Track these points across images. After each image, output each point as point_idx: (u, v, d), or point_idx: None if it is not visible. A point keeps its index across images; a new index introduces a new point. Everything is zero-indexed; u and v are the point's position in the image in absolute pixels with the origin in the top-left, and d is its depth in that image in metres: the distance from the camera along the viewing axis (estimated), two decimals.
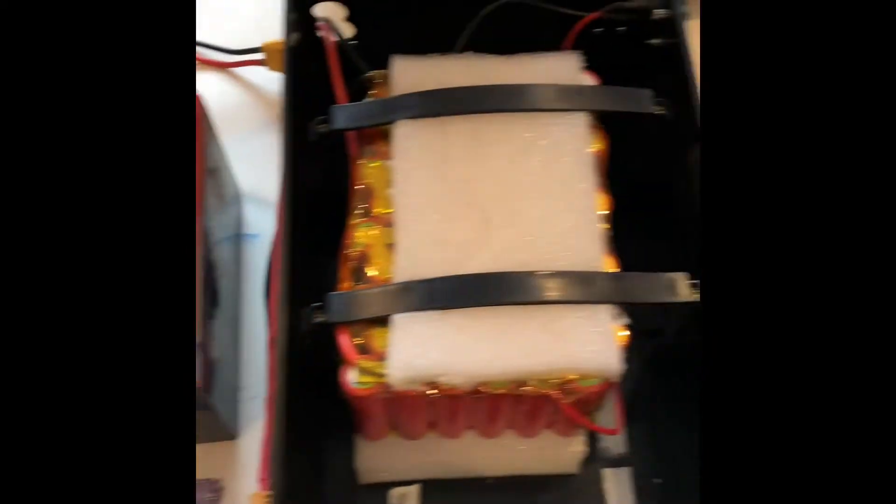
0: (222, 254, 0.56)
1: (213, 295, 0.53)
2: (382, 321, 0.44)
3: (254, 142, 0.65)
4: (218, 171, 0.57)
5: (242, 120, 0.67)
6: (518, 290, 0.43)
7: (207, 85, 0.68)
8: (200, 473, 0.53)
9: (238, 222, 0.62)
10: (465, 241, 0.45)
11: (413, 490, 0.52)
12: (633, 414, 0.54)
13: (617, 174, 0.55)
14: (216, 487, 0.53)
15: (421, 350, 0.42)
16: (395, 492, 0.52)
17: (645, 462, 0.53)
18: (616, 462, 0.53)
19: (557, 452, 0.51)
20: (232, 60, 0.68)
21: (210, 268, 0.52)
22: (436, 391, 0.42)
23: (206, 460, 0.53)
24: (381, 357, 0.43)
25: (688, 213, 0.51)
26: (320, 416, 0.51)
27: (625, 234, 0.58)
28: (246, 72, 0.69)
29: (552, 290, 0.43)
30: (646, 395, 0.55)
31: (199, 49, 0.69)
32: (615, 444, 0.53)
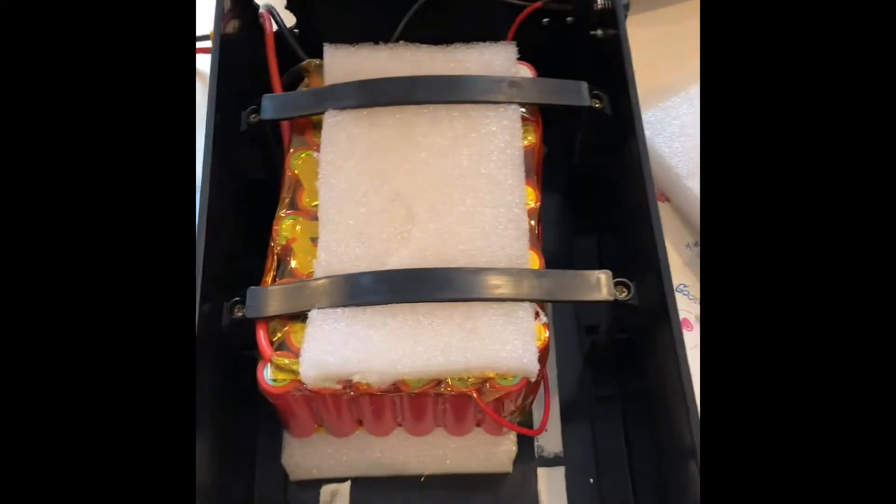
0: None
1: None
2: (301, 317, 0.43)
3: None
4: None
5: (198, 109, 0.66)
6: (436, 287, 0.42)
7: None
8: None
9: None
10: (387, 237, 0.44)
11: (344, 487, 0.51)
12: (570, 412, 0.53)
13: (553, 168, 0.55)
14: None
15: (334, 347, 0.41)
16: (326, 489, 0.51)
17: (579, 461, 0.52)
18: (550, 461, 0.52)
19: (489, 451, 0.50)
20: None
21: None
22: (351, 390, 0.41)
23: None
24: (298, 353, 0.42)
25: (623, 208, 0.50)
26: (248, 412, 0.50)
27: (558, 228, 0.58)
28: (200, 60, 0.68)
29: (471, 286, 0.42)
30: (583, 393, 0.54)
31: None
32: (550, 443, 0.52)
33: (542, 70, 0.52)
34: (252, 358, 0.44)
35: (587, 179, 0.58)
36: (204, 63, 0.66)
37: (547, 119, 0.50)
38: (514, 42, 0.51)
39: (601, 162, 0.55)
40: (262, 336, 0.43)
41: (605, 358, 0.53)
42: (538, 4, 0.54)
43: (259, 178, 0.55)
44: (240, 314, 0.44)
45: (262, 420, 0.51)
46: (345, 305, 0.42)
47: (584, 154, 0.55)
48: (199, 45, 0.66)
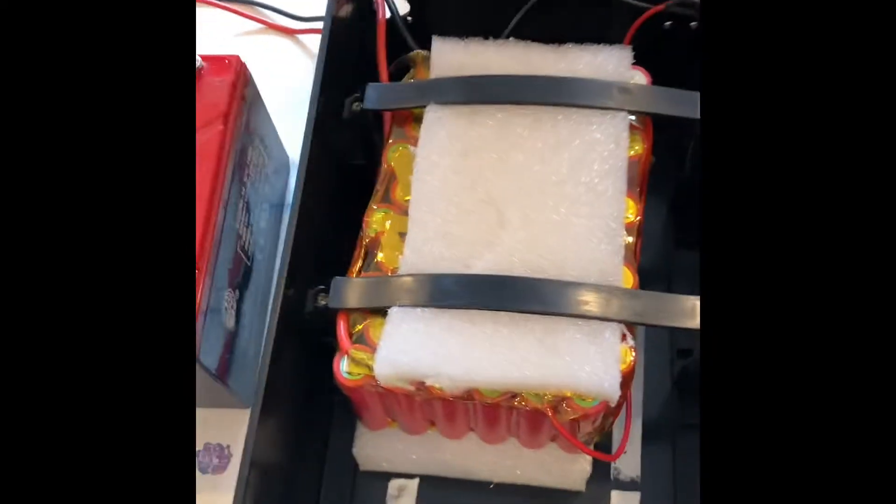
0: (260, 223, 0.56)
1: (246, 266, 0.53)
2: (382, 311, 0.43)
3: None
4: (261, 139, 0.57)
5: (302, 89, 0.67)
6: (519, 296, 0.41)
7: (272, 50, 0.68)
8: (210, 437, 0.54)
9: (283, 193, 0.62)
10: (475, 239, 0.43)
11: (412, 484, 0.51)
12: (653, 437, 0.51)
13: (660, 178, 0.52)
14: (224, 454, 0.54)
15: (410, 347, 0.40)
16: (394, 483, 0.51)
17: (657, 489, 0.49)
18: (626, 485, 0.50)
19: (562, 468, 0.49)
20: (298, 27, 0.68)
21: (243, 237, 0.52)
22: (424, 392, 0.41)
23: (217, 426, 0.54)
24: (375, 348, 0.42)
25: None
26: (324, 399, 0.50)
27: (659, 242, 0.56)
28: (311, 40, 0.68)
29: (556, 300, 0.41)
30: (668, 419, 0.51)
31: (265, 13, 0.69)
32: (628, 466, 0.50)
33: (659, 77, 0.49)
34: (331, 346, 0.44)
35: (695, 193, 0.55)
36: (312, 43, 0.68)
37: (659, 127, 0.48)
38: (630, 46, 0.48)
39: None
40: (341, 328, 0.43)
41: (695, 385, 0.50)
42: (660, 7, 0.51)
43: (359, 164, 0.55)
44: (323, 303, 0.44)
45: (337, 408, 0.51)
46: (425, 305, 0.42)
47: (694, 168, 0.52)
48: (311, 25, 0.67)
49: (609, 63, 0.48)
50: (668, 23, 0.54)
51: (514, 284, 0.41)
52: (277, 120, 0.60)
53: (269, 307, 0.57)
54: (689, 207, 0.56)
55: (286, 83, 0.65)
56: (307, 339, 0.46)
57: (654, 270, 0.55)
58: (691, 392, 0.51)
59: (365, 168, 0.55)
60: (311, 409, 0.50)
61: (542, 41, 0.50)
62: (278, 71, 0.66)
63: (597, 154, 0.45)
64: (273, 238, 0.59)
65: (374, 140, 0.53)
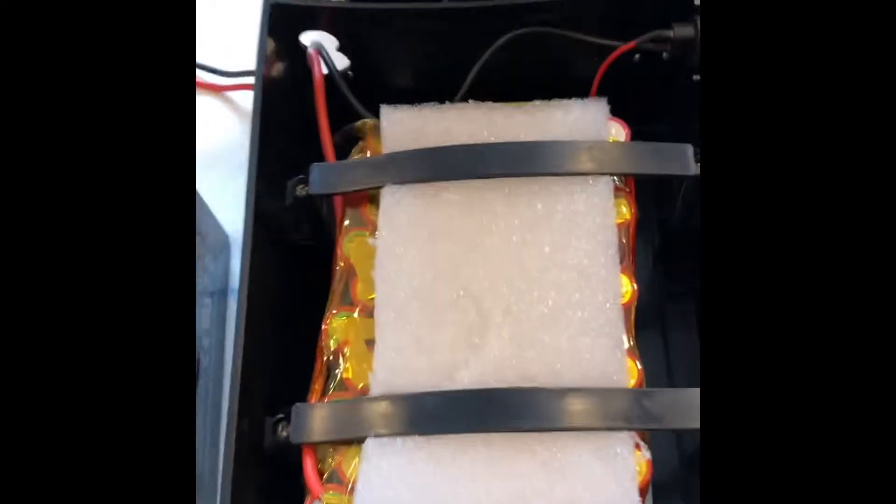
0: (202, 316, 0.50)
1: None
2: (356, 439, 0.37)
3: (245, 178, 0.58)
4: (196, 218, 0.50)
5: (235, 151, 0.60)
6: (513, 414, 0.35)
7: (198, 110, 0.61)
8: None
9: (223, 277, 0.55)
10: (455, 344, 0.37)
11: None
12: None
13: (642, 225, 0.47)
14: None
15: (393, 492, 0.34)
16: None
17: None
18: None
19: None
20: (226, 83, 0.61)
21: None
22: None
23: None
24: (352, 487, 0.36)
25: None
26: None
27: (648, 294, 0.51)
28: (241, 97, 0.61)
29: (556, 413, 0.35)
30: None
31: None
32: None
33: (628, 114, 0.44)
34: (296, 466, 0.38)
35: (687, 244, 0.50)
36: (242, 99, 0.62)
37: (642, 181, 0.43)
38: (605, 99, 0.43)
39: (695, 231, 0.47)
40: (309, 467, 0.37)
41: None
42: (630, 45, 0.46)
43: (306, 245, 0.49)
44: (285, 434, 0.38)
45: None
46: (406, 434, 0.36)
47: (683, 219, 0.47)
48: (241, 80, 0.61)
49: (584, 119, 0.42)
50: (637, 55, 0.49)
51: (506, 399, 0.36)
52: (210, 192, 0.53)
53: (222, 438, 0.51)
54: (680, 258, 0.51)
55: (217, 147, 0.59)
56: (273, 467, 0.40)
57: (647, 331, 0.50)
58: None
59: (313, 249, 0.49)
60: None
61: (504, 93, 0.44)
62: (207, 133, 0.59)
63: (582, 230, 0.39)
64: (219, 335, 0.52)
65: (323, 221, 0.47)
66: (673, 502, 0.46)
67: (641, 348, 0.43)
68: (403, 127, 0.42)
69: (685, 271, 0.51)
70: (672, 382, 0.50)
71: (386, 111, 0.43)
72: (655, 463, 0.45)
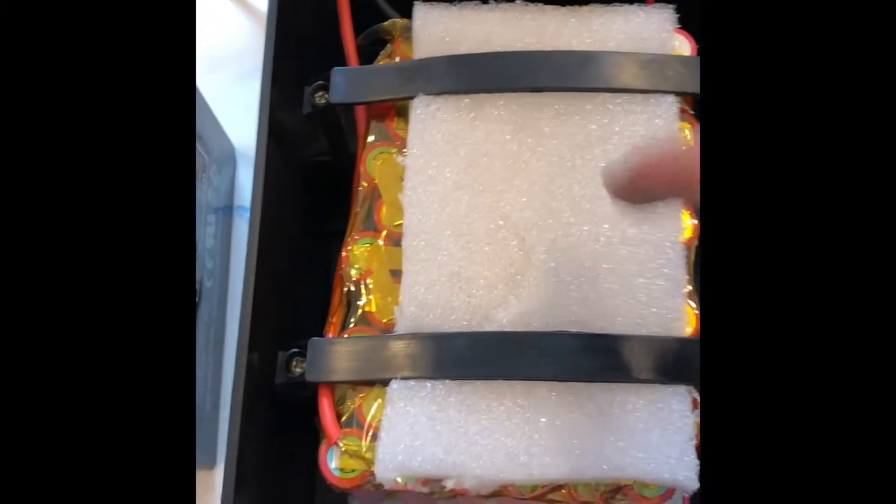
0: (205, 241, 0.45)
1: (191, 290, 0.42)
2: (379, 381, 0.33)
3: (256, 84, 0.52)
4: (197, 137, 0.45)
5: (247, 53, 0.55)
6: (558, 361, 0.31)
7: (203, 11, 0.55)
8: None
9: (229, 192, 0.50)
10: (494, 280, 0.33)
11: None
12: None
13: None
14: None
15: (420, 441, 0.31)
16: None
17: None
18: None
19: None
20: None
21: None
22: (440, 493, 0.31)
23: None
24: (373, 434, 0.32)
25: None
26: (302, 481, 0.40)
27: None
28: None
29: (607, 363, 0.31)
30: None
31: None
32: None
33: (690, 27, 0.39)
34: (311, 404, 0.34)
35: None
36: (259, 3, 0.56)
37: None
38: (672, 7, 0.37)
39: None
40: (326, 409, 0.33)
41: None
42: None
43: (324, 161, 0.44)
44: (299, 370, 0.34)
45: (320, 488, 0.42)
46: (436, 378, 0.32)
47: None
48: None
49: (647, 28, 0.37)
50: None
51: (551, 344, 0.32)
52: (215, 98, 0.48)
53: (226, 368, 0.47)
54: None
55: (226, 47, 0.53)
56: (284, 404, 0.36)
57: None
58: None
59: (331, 166, 0.44)
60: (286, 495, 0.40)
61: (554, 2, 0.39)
62: (214, 31, 0.54)
63: None
64: (224, 255, 0.48)
65: (344, 135, 0.42)
66: None
67: None
68: (439, 29, 0.37)
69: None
70: None
71: (420, 9, 0.37)
72: None
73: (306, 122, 0.39)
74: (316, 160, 0.45)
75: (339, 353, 0.33)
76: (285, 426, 0.37)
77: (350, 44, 0.40)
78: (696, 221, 0.35)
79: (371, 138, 0.37)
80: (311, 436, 0.35)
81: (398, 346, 0.32)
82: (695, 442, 0.31)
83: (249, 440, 0.33)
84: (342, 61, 0.40)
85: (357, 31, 0.41)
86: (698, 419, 0.31)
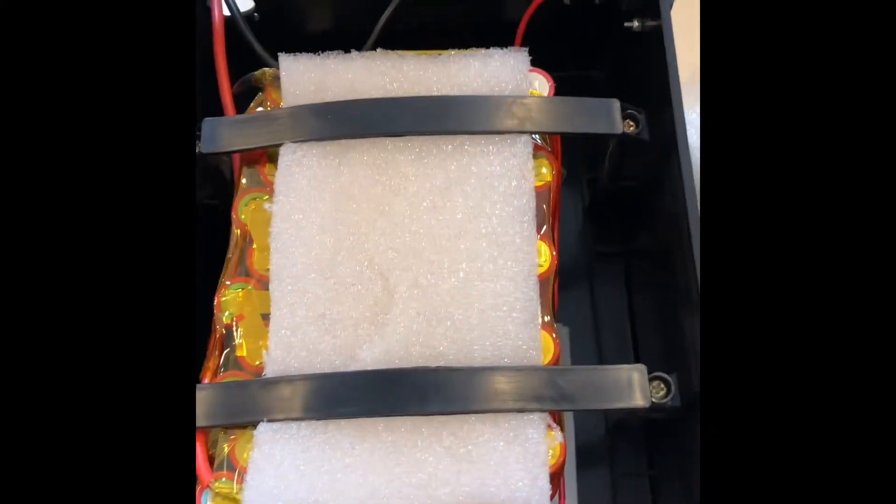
0: None
1: None
2: (251, 424, 0.34)
3: None
4: None
5: None
6: (419, 395, 0.33)
7: None
8: None
9: None
10: (358, 320, 0.35)
11: None
12: None
13: (571, 183, 0.45)
14: None
15: (285, 483, 0.32)
16: None
17: None
18: None
19: None
20: None
21: None
22: None
23: None
24: (243, 473, 0.33)
25: (660, 231, 0.40)
26: None
27: (577, 254, 0.49)
28: None
29: (465, 395, 0.33)
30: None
31: None
32: None
33: (554, 65, 0.41)
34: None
35: (614, 201, 0.48)
36: None
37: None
38: (525, 49, 0.39)
39: (633, 183, 0.45)
40: (199, 453, 0.34)
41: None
42: None
43: (211, 204, 0.45)
44: None
45: None
46: (303, 418, 0.33)
47: (612, 177, 0.44)
48: None
49: (503, 71, 0.38)
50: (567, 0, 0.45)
51: (412, 380, 0.33)
52: None
53: None
54: (609, 218, 0.49)
55: None
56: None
57: (574, 288, 0.48)
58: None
59: (218, 209, 0.45)
60: None
61: (420, 42, 0.40)
62: None
63: (498, 194, 0.36)
64: None
65: (224, 179, 0.43)
66: (598, 469, 0.45)
67: (569, 309, 0.40)
68: (305, 78, 0.38)
69: (614, 231, 0.49)
70: (600, 349, 0.48)
71: (285, 60, 0.39)
72: (580, 428, 0.43)
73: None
74: (206, 203, 0.46)
75: (208, 399, 0.34)
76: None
77: (226, 92, 0.41)
78: (554, 254, 0.37)
79: (244, 183, 0.39)
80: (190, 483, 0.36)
81: (266, 390, 0.33)
82: (548, 467, 0.32)
83: None
84: (220, 107, 0.41)
85: (235, 75, 0.42)
86: (555, 443, 0.33)
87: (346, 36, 0.42)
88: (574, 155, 0.48)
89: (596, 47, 0.49)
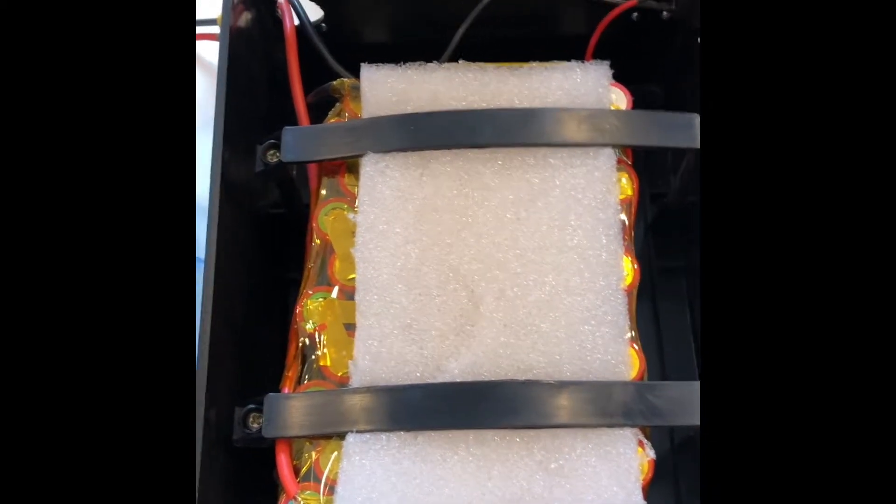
0: None
1: None
2: (335, 434, 0.34)
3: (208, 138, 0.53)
4: None
5: (199, 109, 0.55)
6: (509, 409, 0.33)
7: None
8: None
9: None
10: (444, 331, 0.34)
11: None
12: None
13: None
14: None
15: (377, 494, 0.31)
16: None
17: None
18: None
19: None
20: None
21: None
22: None
23: None
24: (330, 487, 0.33)
25: None
26: None
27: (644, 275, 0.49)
28: (203, 48, 0.56)
29: (555, 409, 0.32)
30: None
31: None
32: None
33: (620, 75, 0.41)
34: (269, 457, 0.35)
35: (682, 218, 0.47)
36: (209, 53, 0.56)
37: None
38: (608, 63, 0.39)
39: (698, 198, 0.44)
40: (283, 463, 0.33)
41: None
42: (632, 2, 0.42)
43: (277, 214, 0.45)
44: (256, 426, 0.34)
45: None
46: (390, 430, 0.33)
47: (682, 193, 0.44)
48: (200, 29, 0.55)
49: (584, 84, 0.38)
50: (635, 14, 0.45)
51: (500, 393, 0.33)
52: None
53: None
54: (674, 234, 0.49)
55: None
56: (243, 458, 0.37)
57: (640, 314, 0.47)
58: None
59: (286, 219, 0.45)
60: None
61: (494, 54, 0.40)
62: None
63: (582, 206, 0.36)
64: None
65: (296, 188, 0.43)
66: (663, 491, 0.44)
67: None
68: (386, 88, 0.38)
69: (678, 248, 0.49)
70: (662, 365, 0.47)
71: (367, 70, 0.39)
72: None
73: (259, 179, 0.40)
74: (271, 213, 0.46)
75: (294, 409, 0.34)
76: (245, 481, 0.38)
77: (300, 102, 0.41)
78: (636, 267, 0.37)
79: (323, 193, 0.38)
80: (272, 490, 0.35)
81: (353, 400, 0.33)
82: (641, 483, 0.32)
83: (209, 497, 0.34)
84: (293, 116, 0.41)
85: (308, 87, 0.42)
86: (644, 459, 0.33)
87: (411, 50, 0.42)
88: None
89: (657, 62, 0.49)
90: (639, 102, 0.40)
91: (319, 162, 0.38)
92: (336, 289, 0.36)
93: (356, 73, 0.40)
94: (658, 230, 0.49)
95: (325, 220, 0.38)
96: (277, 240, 0.44)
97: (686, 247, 0.49)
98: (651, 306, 0.49)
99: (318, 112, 0.42)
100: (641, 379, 0.35)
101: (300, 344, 0.36)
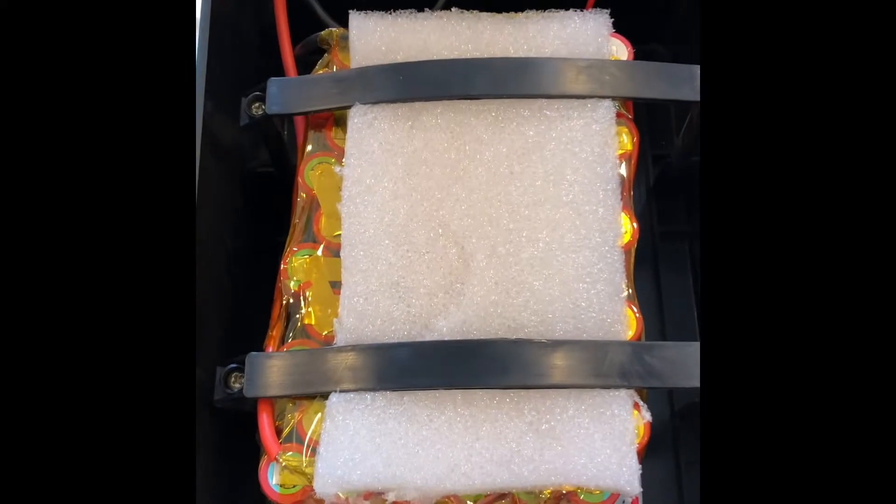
0: None
1: None
2: (318, 395, 0.32)
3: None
4: None
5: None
6: (499, 368, 0.31)
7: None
8: None
9: None
10: (433, 289, 0.33)
11: None
12: None
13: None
14: None
15: (360, 455, 0.30)
16: None
17: None
18: None
19: None
20: None
21: None
22: None
23: None
24: (313, 448, 0.31)
25: None
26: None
27: (644, 238, 0.47)
28: None
29: (547, 368, 0.31)
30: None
31: None
32: None
33: (623, 31, 0.39)
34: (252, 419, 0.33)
35: (682, 178, 0.46)
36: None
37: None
38: (607, 11, 0.37)
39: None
40: (265, 424, 0.32)
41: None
42: None
43: (270, 173, 0.44)
44: (237, 386, 0.33)
45: None
46: (376, 389, 0.31)
47: (685, 153, 0.43)
48: None
49: (583, 33, 0.37)
50: None
51: (490, 352, 0.31)
52: None
53: None
54: (677, 195, 0.47)
55: None
56: (224, 419, 0.36)
57: (637, 272, 0.46)
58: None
59: (275, 177, 0.44)
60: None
61: (490, 1, 0.39)
62: None
63: (579, 160, 0.34)
64: None
65: (285, 146, 0.41)
66: (662, 457, 0.43)
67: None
68: (375, 38, 0.37)
69: (680, 210, 0.48)
70: (663, 328, 0.46)
71: (356, 19, 0.37)
72: None
73: (245, 134, 0.39)
74: (259, 171, 0.44)
75: (276, 368, 0.32)
76: (230, 442, 0.37)
77: (288, 54, 0.40)
78: (635, 225, 0.35)
79: (309, 148, 0.37)
80: (257, 454, 0.34)
81: (337, 359, 0.32)
82: (636, 446, 0.31)
83: (196, 461, 0.32)
84: (279, 69, 0.40)
85: (296, 39, 0.40)
86: (640, 422, 0.31)
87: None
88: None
89: (661, 19, 0.47)
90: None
91: (305, 114, 0.37)
92: (322, 246, 0.35)
93: (346, 25, 0.38)
94: (660, 194, 0.48)
95: (311, 174, 0.36)
96: (267, 199, 0.43)
97: (688, 210, 0.47)
98: (653, 272, 0.47)
99: (305, 68, 0.40)
100: (638, 339, 0.33)
101: (284, 302, 0.35)
